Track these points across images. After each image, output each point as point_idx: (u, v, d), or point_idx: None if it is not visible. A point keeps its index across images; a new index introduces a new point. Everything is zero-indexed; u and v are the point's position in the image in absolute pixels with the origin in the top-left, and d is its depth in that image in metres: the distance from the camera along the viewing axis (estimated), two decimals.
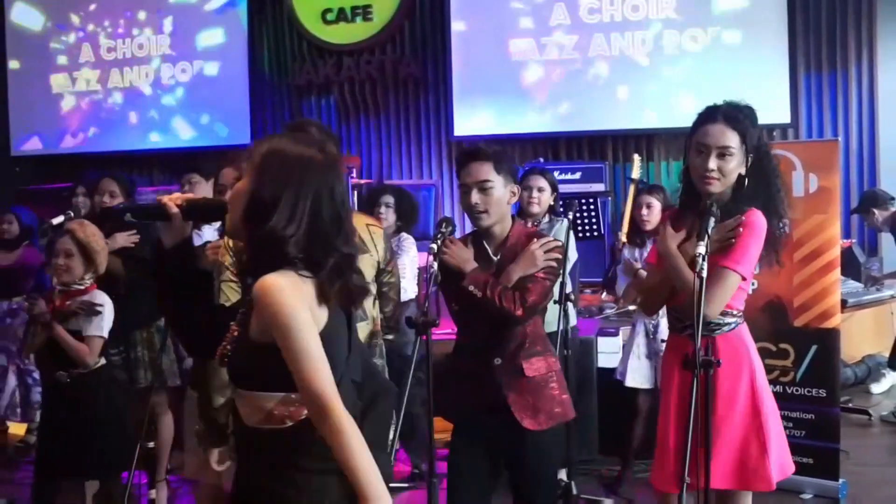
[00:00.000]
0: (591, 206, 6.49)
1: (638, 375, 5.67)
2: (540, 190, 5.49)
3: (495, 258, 3.60)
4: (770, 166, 3.46)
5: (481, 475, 3.66)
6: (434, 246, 3.40)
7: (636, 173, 7.65)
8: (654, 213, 5.70)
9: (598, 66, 10.00)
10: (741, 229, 3.31)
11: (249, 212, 2.33)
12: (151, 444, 3.57)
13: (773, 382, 5.47)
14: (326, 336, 2.29)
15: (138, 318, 5.39)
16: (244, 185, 2.37)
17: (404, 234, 6.25)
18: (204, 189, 6.03)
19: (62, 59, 12.18)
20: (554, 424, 3.60)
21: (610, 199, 9.36)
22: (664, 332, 5.58)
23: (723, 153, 3.33)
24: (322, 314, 2.32)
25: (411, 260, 6.16)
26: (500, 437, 3.59)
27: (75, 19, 12.07)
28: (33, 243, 7.16)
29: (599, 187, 9.09)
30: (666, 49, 9.80)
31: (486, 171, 3.53)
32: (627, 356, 5.75)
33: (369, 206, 6.22)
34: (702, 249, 3.06)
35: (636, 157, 7.77)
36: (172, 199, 2.53)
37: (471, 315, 3.57)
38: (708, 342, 3.34)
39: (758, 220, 3.36)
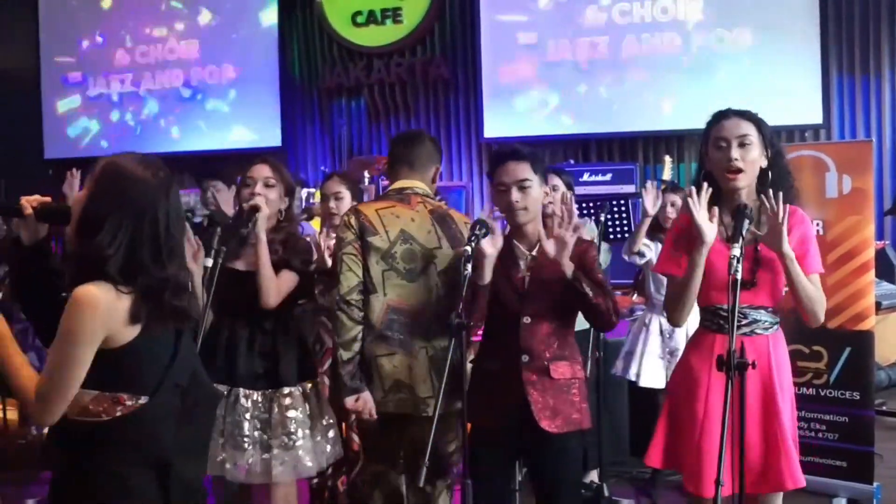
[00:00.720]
0: (622, 208, 6.48)
1: (654, 376, 5.70)
2: (553, 189, 5.51)
3: (529, 254, 3.63)
4: (784, 163, 3.51)
5: (501, 476, 3.68)
6: (468, 248, 3.41)
7: (667, 175, 7.63)
8: (677, 211, 5.74)
9: (629, 67, 9.98)
10: (802, 230, 3.40)
11: (81, 224, 2.55)
12: None
13: (806, 385, 5.45)
14: (134, 348, 2.52)
15: None
16: (83, 195, 2.59)
17: None
18: (226, 196, 6.06)
19: (88, 61, 12.31)
20: (570, 430, 3.62)
21: (640, 200, 9.33)
22: (679, 331, 5.60)
23: (743, 142, 3.37)
24: (131, 329, 2.52)
25: None
26: (522, 437, 3.61)
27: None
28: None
29: (630, 189, 9.07)
30: (697, 50, 9.77)
31: (525, 171, 3.58)
32: (641, 356, 5.77)
33: None
34: (737, 252, 3.06)
35: (667, 158, 7.76)
36: (29, 201, 2.73)
37: (502, 312, 3.60)
38: (769, 340, 3.43)
39: (806, 215, 3.45)
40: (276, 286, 3.84)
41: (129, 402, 2.53)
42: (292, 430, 3.85)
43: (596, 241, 5.18)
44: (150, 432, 2.55)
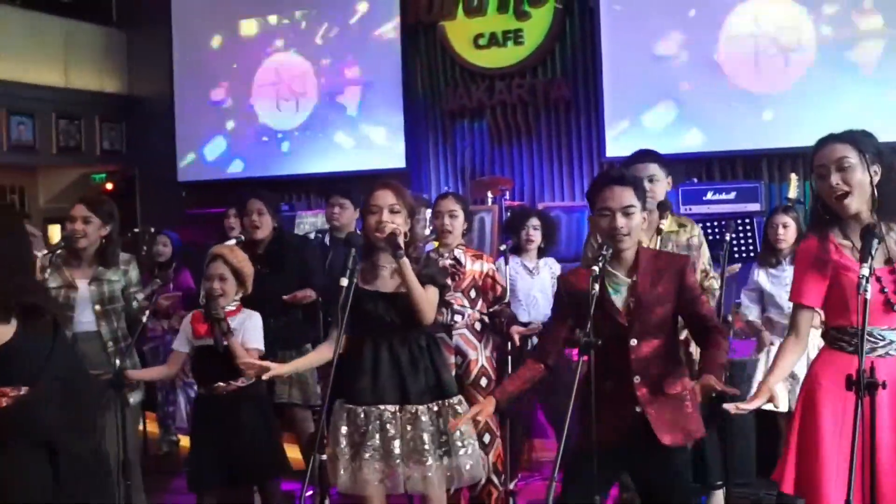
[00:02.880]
0: (747, 227, 6.45)
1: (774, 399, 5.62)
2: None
3: (629, 280, 3.65)
4: None
5: (599, 493, 3.70)
6: (595, 269, 3.46)
7: (793, 192, 7.53)
8: (789, 232, 5.72)
9: (750, 83, 9.86)
10: None
11: None
12: (324, 456, 3.75)
13: None
14: (10, 348, 2.95)
15: (289, 339, 5.67)
16: None
17: (550, 259, 6.31)
18: (350, 214, 6.22)
19: (221, 84, 12.72)
20: (689, 442, 3.66)
21: (765, 219, 9.19)
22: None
23: (840, 165, 3.35)
24: (7, 329, 2.96)
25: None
26: (633, 455, 3.64)
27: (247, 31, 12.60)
28: (181, 266, 7.49)
29: (755, 207, 8.96)
30: (817, 66, 9.58)
31: (630, 197, 3.59)
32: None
33: (516, 228, 6.29)
34: (865, 271, 3.06)
35: (793, 176, 7.66)
36: None
37: (608, 336, 3.63)
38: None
39: None
40: (429, 302, 3.98)
41: (11, 394, 2.93)
42: (464, 437, 3.97)
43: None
44: (34, 417, 2.97)
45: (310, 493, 4.42)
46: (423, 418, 3.96)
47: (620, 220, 3.58)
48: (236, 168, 12.63)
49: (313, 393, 5.68)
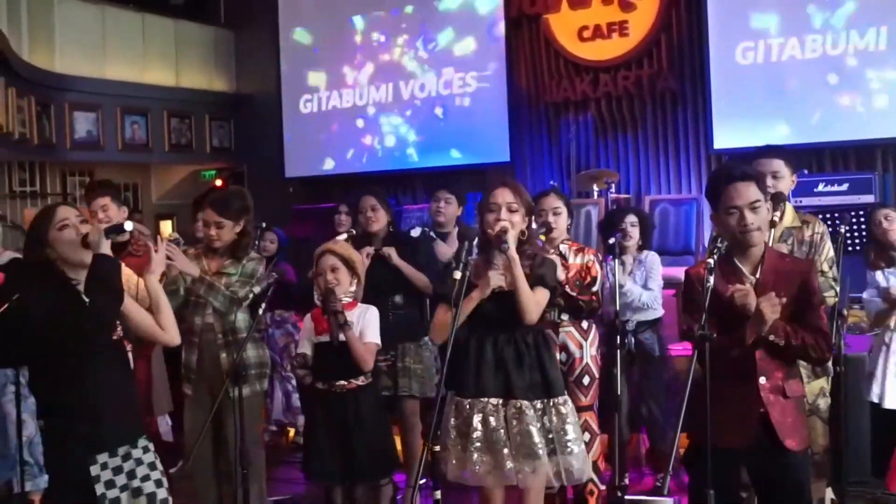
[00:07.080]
0: (861, 219, 6.31)
1: None
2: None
3: (753, 278, 3.61)
4: None
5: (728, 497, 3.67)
6: (711, 261, 3.45)
7: None
8: (894, 224, 5.55)
9: (864, 69, 9.61)
10: None
11: None
12: (438, 448, 3.79)
13: None
14: None
15: (411, 332, 5.74)
16: None
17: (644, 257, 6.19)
18: (454, 209, 6.28)
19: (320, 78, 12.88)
20: (806, 447, 3.62)
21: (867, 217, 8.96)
22: None
23: None
24: None
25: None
26: (759, 457, 3.61)
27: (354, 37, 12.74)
28: (282, 260, 7.60)
29: (868, 199, 8.73)
30: None
31: (755, 192, 3.60)
32: (883, 377, 5.56)
33: (612, 226, 6.21)
34: None
35: None
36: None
37: (730, 333, 3.58)
38: None
39: None
40: (536, 302, 3.99)
41: None
42: (572, 437, 3.98)
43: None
44: None
45: (422, 481, 4.46)
46: (529, 413, 3.98)
47: (749, 216, 3.59)
48: (342, 164, 12.77)
49: (431, 387, 5.76)
